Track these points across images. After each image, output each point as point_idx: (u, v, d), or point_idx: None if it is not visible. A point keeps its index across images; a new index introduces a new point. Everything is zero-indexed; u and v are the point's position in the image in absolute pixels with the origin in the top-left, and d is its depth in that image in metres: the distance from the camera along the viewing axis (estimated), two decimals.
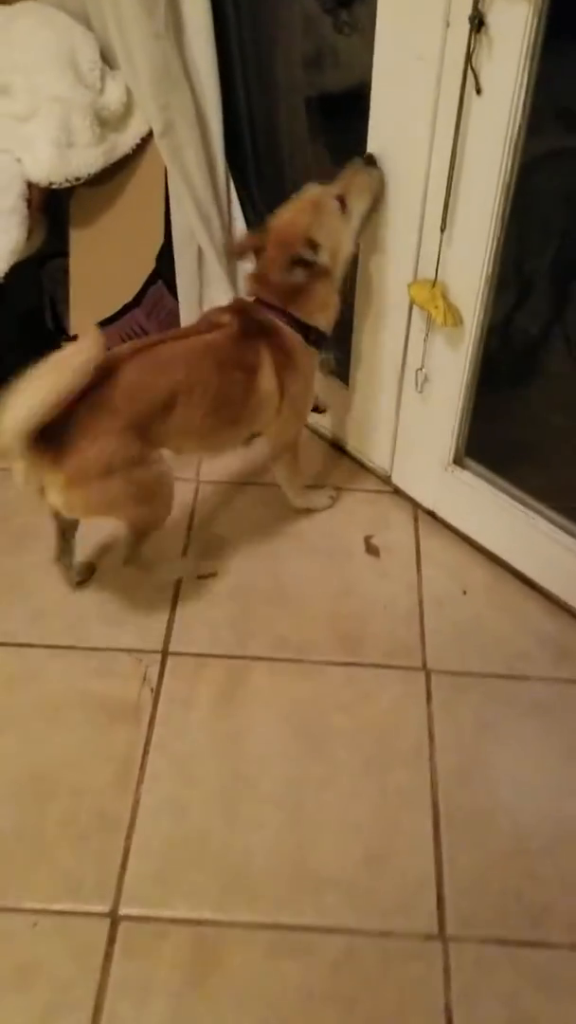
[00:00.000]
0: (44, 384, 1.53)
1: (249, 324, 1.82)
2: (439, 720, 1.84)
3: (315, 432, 2.49)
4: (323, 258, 1.78)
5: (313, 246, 1.76)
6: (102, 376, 1.62)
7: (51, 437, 1.58)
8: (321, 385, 2.35)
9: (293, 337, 1.85)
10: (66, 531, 1.98)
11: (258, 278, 1.85)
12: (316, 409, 2.30)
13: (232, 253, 2.00)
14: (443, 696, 1.88)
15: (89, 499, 1.71)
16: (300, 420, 2.04)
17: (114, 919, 1.57)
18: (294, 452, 2.11)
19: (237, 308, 1.87)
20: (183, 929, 1.55)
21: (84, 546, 2.12)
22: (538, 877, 1.61)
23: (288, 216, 1.79)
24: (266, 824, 1.68)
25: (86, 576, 2.10)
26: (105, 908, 1.58)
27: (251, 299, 1.88)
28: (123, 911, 1.58)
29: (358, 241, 1.85)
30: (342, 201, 1.76)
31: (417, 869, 1.62)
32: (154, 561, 2.04)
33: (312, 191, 1.80)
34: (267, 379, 1.84)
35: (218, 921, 1.56)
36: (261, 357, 1.82)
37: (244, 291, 1.92)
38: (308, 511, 2.27)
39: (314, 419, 2.45)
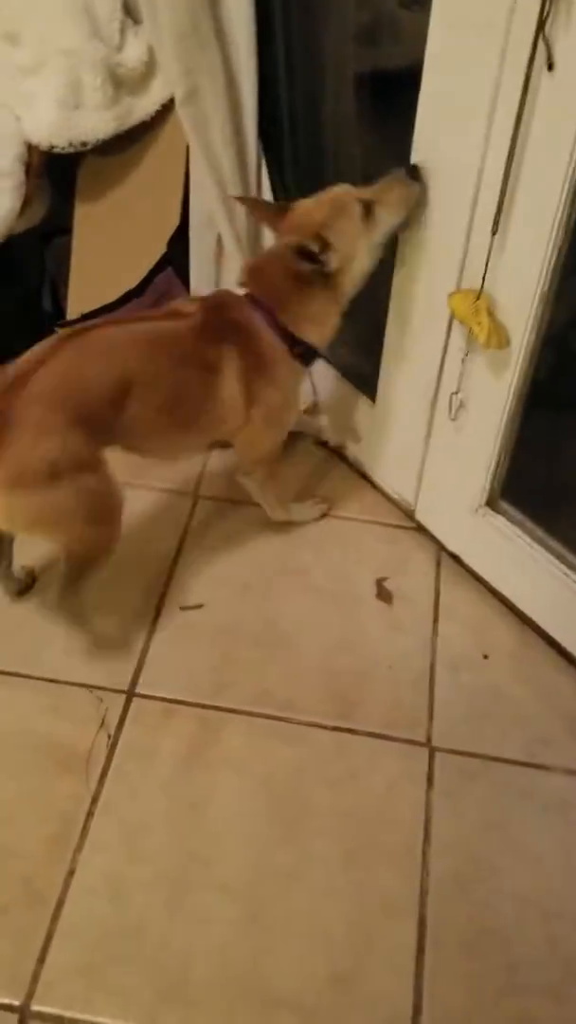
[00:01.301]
0: None
1: (216, 320, 1.60)
2: (439, 811, 1.56)
3: (333, 451, 2.22)
4: (331, 261, 1.56)
5: (323, 245, 1.54)
6: (37, 365, 1.44)
7: None
8: (344, 400, 2.09)
9: (272, 344, 1.62)
10: (2, 534, 1.72)
11: (253, 269, 1.65)
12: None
13: (248, 205, 1.73)
14: (447, 781, 1.60)
15: (30, 508, 1.47)
16: (274, 435, 1.78)
17: (23, 1016, 1.33)
18: (268, 471, 1.87)
19: (211, 301, 1.65)
20: None
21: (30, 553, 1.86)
22: (531, 1021, 1.33)
23: (307, 207, 1.60)
24: (217, 921, 1.42)
25: (27, 584, 1.85)
26: (15, 1000, 1.34)
27: (240, 292, 1.65)
28: (35, 1007, 1.34)
29: (376, 257, 1.63)
30: (368, 208, 1.55)
31: (391, 998, 1.35)
32: (90, 609, 1.76)
33: (339, 189, 1.60)
34: (230, 383, 1.62)
35: None
36: (224, 358, 1.60)
37: (236, 281, 1.70)
38: (289, 523, 2.01)
39: (331, 436, 2.19)
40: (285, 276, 1.58)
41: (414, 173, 1.54)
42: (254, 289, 1.63)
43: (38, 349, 1.49)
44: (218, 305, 1.63)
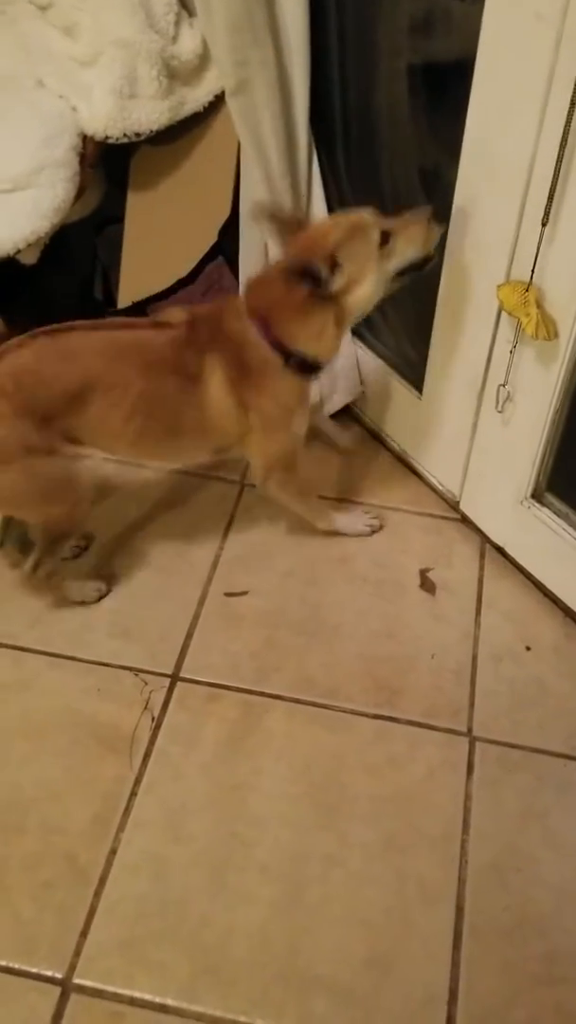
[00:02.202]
0: None
1: (203, 330, 1.61)
2: (479, 800, 1.56)
3: (379, 441, 2.22)
4: (337, 281, 1.53)
5: (332, 265, 1.51)
6: (2, 356, 1.53)
7: None
8: (389, 392, 2.10)
9: (264, 354, 1.60)
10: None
11: (254, 281, 1.66)
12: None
13: (265, 213, 1.72)
14: (487, 771, 1.60)
15: None
16: (278, 443, 1.75)
17: (65, 988, 1.36)
18: (288, 477, 1.83)
19: (202, 312, 1.65)
20: (140, 1013, 1.33)
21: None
22: (567, 1013, 1.33)
23: (325, 226, 1.58)
24: (256, 900, 1.44)
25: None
26: (58, 973, 1.37)
27: (240, 302, 1.65)
28: (77, 980, 1.36)
29: (385, 288, 1.60)
30: (387, 238, 1.54)
31: (428, 982, 1.36)
32: (64, 576, 1.84)
33: (363, 212, 1.57)
34: (216, 393, 1.62)
35: (182, 1010, 1.33)
36: (206, 367, 1.60)
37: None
38: (335, 534, 1.99)
39: (378, 426, 2.19)
40: (284, 291, 1.55)
41: (437, 215, 1.55)
42: (252, 301, 1.62)
43: (10, 342, 1.56)
44: (208, 316, 1.63)
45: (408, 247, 1.56)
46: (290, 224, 1.61)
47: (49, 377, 1.55)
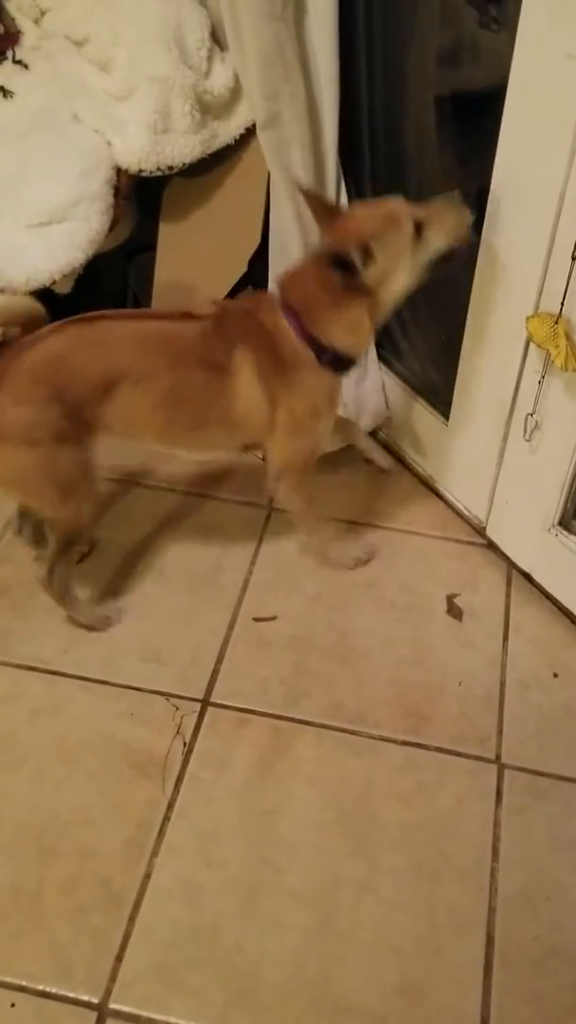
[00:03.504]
0: None
1: (231, 322, 1.62)
2: (508, 828, 1.57)
3: (404, 465, 2.24)
4: (370, 273, 1.53)
5: (366, 255, 1.51)
6: (35, 341, 1.56)
7: None
8: (414, 417, 2.11)
9: (296, 348, 1.61)
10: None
11: (287, 274, 1.64)
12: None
13: (308, 197, 1.71)
14: (516, 799, 1.61)
15: (3, 464, 1.60)
16: (302, 442, 1.75)
17: (101, 1013, 1.37)
18: (301, 479, 1.82)
19: (232, 304, 1.69)
20: None
21: None
22: None
23: (359, 215, 1.58)
24: (288, 927, 1.45)
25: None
26: (94, 998, 1.39)
27: (273, 296, 1.65)
28: (113, 1005, 1.38)
29: (418, 277, 1.60)
30: (419, 227, 1.54)
31: (459, 1011, 1.37)
32: (71, 591, 1.85)
33: (394, 202, 1.57)
34: (245, 385, 1.62)
35: None
36: (236, 360, 1.61)
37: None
38: (323, 559, 1.99)
39: (403, 451, 2.20)
40: (318, 282, 1.55)
41: (465, 200, 1.55)
42: (285, 293, 1.62)
43: (44, 329, 1.58)
44: (239, 309, 1.64)
45: (440, 236, 1.56)
46: (329, 211, 1.60)
47: (81, 365, 1.57)
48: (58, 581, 1.78)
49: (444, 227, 1.56)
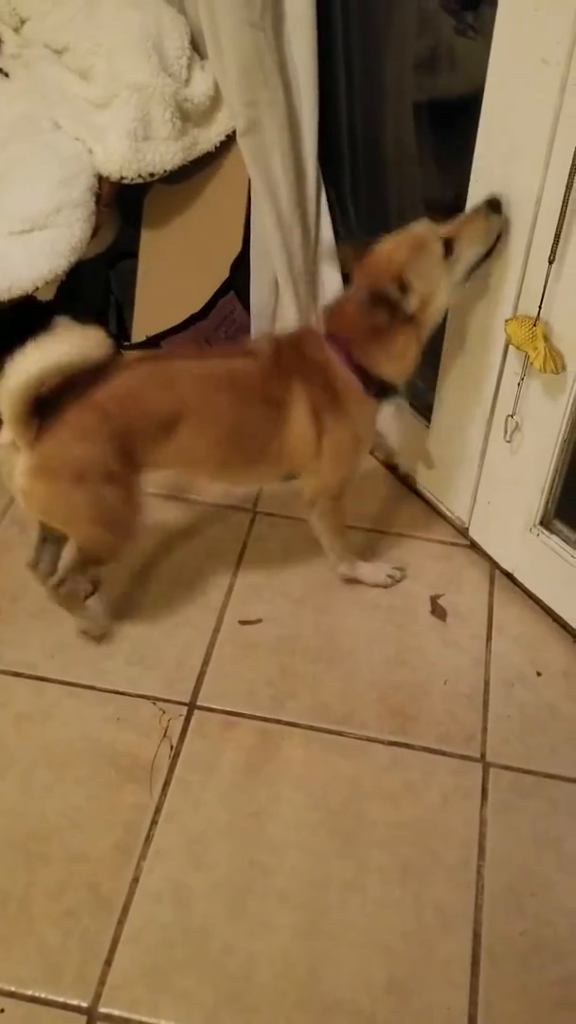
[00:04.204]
0: (44, 352, 1.41)
1: (288, 358, 1.62)
2: (494, 826, 1.58)
3: (388, 467, 2.25)
4: (411, 302, 1.54)
5: (403, 287, 1.53)
6: (103, 376, 1.52)
7: (43, 419, 1.49)
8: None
9: (346, 379, 1.63)
10: (48, 537, 1.79)
11: (331, 311, 1.65)
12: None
13: (333, 256, 1.72)
14: (501, 797, 1.63)
15: (49, 496, 1.57)
16: (343, 470, 1.77)
17: (91, 1017, 1.38)
18: (335, 505, 1.85)
19: (287, 340, 1.67)
20: None
21: None
22: None
23: (386, 248, 1.57)
24: (277, 928, 1.46)
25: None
26: (84, 1002, 1.39)
27: (319, 330, 1.66)
28: (103, 1009, 1.38)
29: (458, 292, 1.62)
30: (449, 245, 1.54)
31: (447, 1007, 1.38)
32: (83, 601, 1.88)
33: (420, 227, 1.57)
34: (300, 419, 1.64)
35: None
36: (293, 394, 1.62)
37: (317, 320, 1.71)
38: (355, 582, 1.99)
39: (386, 453, 2.22)
40: (364, 318, 1.56)
41: (494, 206, 1.54)
42: (331, 329, 1.63)
43: (116, 363, 1.56)
44: (292, 343, 1.65)
45: (471, 248, 1.56)
46: (355, 253, 1.61)
47: (148, 403, 1.58)
48: (66, 592, 1.78)
49: (473, 239, 1.55)
